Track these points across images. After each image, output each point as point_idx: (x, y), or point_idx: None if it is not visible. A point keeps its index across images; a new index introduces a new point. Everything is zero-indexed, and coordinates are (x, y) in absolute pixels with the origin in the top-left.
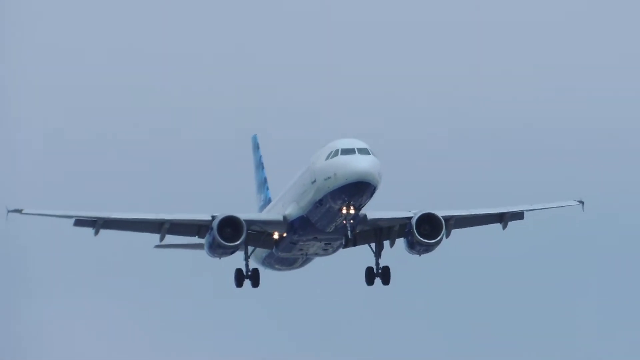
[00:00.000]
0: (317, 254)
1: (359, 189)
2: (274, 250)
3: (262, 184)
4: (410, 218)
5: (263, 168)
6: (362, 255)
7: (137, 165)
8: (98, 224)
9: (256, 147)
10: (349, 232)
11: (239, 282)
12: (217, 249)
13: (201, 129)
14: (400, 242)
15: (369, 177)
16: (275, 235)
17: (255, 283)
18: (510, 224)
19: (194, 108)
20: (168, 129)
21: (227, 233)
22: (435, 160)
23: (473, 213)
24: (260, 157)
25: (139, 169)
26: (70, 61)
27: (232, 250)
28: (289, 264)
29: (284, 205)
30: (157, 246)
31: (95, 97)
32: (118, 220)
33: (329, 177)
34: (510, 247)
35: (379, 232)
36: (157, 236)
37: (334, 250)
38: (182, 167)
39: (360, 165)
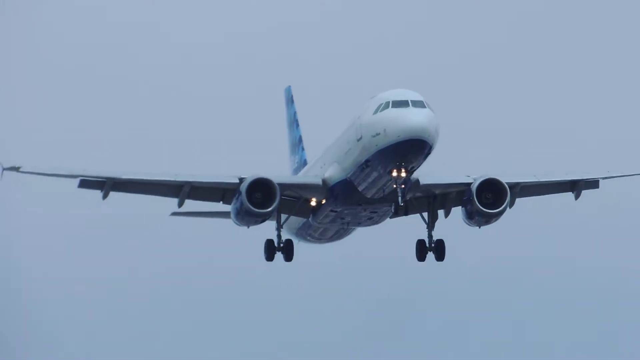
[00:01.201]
0: (360, 224)
1: (413, 148)
2: (310, 219)
3: (297, 143)
4: (469, 184)
5: (298, 125)
6: (412, 226)
7: (154, 123)
8: (107, 185)
9: (290, 100)
10: (400, 199)
11: (269, 255)
12: (246, 217)
13: (226, 82)
14: (457, 211)
15: (425, 133)
16: (313, 202)
17: (289, 257)
18: (584, 193)
19: (218, 58)
20: (188, 81)
21: (257, 198)
22: (497, 118)
23: (542, 180)
24: (295, 112)
25: (156, 126)
26: (78, 17)
27: (263, 219)
28: (327, 235)
29: (323, 167)
30: (175, 213)
31: (110, 50)
32: (131, 182)
33: (377, 134)
34: (583, 219)
35: (433, 200)
36: (175, 201)
37: (380, 220)
38: (206, 124)
39: (414, 119)
